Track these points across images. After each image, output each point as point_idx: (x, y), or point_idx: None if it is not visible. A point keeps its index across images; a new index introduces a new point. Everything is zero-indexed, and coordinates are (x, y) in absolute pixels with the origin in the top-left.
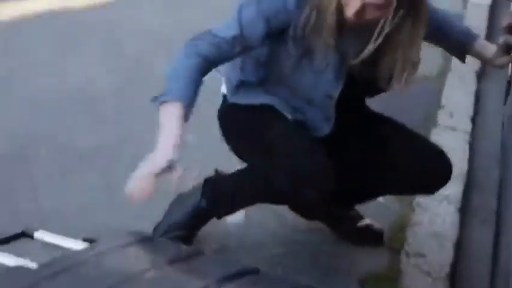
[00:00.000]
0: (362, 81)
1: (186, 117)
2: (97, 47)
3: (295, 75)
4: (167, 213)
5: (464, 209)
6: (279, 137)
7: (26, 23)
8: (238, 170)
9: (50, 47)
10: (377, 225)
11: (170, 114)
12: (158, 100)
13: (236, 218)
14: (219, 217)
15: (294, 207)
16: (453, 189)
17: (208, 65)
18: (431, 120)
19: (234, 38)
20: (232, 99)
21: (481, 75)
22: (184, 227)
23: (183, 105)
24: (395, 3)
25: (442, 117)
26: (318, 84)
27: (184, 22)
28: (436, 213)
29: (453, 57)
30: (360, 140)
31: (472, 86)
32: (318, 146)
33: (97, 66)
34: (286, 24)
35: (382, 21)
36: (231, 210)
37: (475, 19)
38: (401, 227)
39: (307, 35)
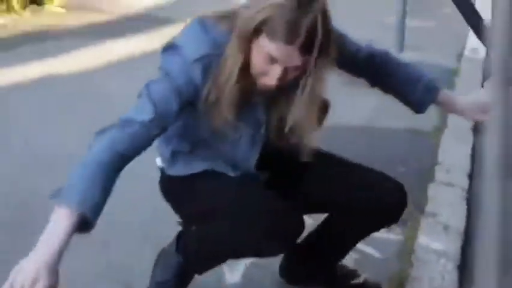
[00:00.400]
0: (281, 140)
1: (82, 226)
2: (93, 110)
3: (215, 143)
4: (153, 270)
5: (463, 266)
6: (232, 198)
7: (22, 87)
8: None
9: (44, 110)
10: (374, 281)
11: (60, 221)
12: (56, 197)
13: (233, 277)
14: (199, 273)
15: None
16: (451, 245)
17: (124, 161)
18: (428, 175)
19: (151, 120)
20: (171, 172)
21: (477, 131)
22: (172, 286)
23: (79, 214)
24: (313, 59)
25: (439, 173)
26: (236, 151)
27: None
28: (435, 270)
29: (448, 114)
30: (306, 183)
31: (468, 142)
32: (273, 195)
33: (92, 129)
34: (195, 97)
35: (304, 77)
36: (206, 266)
37: (470, 74)
38: (400, 283)
39: (208, 111)
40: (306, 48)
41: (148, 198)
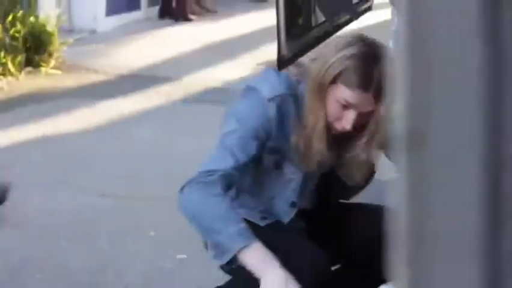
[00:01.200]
0: (334, 184)
1: None
2: (92, 170)
3: (262, 184)
4: None
5: None
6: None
7: (20, 149)
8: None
9: (44, 171)
10: None
11: (263, 256)
12: (230, 252)
13: None
14: None
15: None
16: None
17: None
18: None
19: (233, 168)
20: None
21: None
22: None
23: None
24: (382, 104)
25: None
26: (284, 192)
27: (179, 145)
28: None
29: None
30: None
31: None
32: (306, 241)
33: (91, 190)
34: (270, 133)
35: (372, 121)
36: None
37: None
38: None
39: (297, 160)
40: (377, 94)
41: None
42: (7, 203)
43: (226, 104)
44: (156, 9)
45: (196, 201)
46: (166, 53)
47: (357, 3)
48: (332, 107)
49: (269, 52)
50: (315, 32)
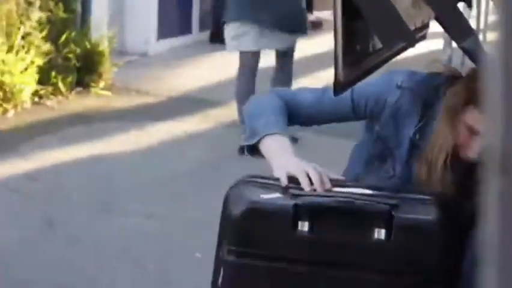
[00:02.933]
0: None
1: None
2: (139, 192)
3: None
4: None
5: None
6: None
7: (68, 169)
8: None
9: (92, 191)
10: None
11: (283, 143)
12: (258, 136)
13: None
14: None
15: None
16: None
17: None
18: None
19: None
20: None
21: None
22: None
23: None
24: None
25: None
26: None
27: (226, 169)
28: None
29: None
30: None
31: None
32: None
33: (139, 211)
34: (379, 115)
35: None
36: None
37: None
38: None
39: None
40: None
41: None
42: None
43: None
44: (207, 33)
45: (257, 98)
46: (216, 76)
47: (414, 30)
48: (461, 133)
49: (323, 78)
50: (372, 59)
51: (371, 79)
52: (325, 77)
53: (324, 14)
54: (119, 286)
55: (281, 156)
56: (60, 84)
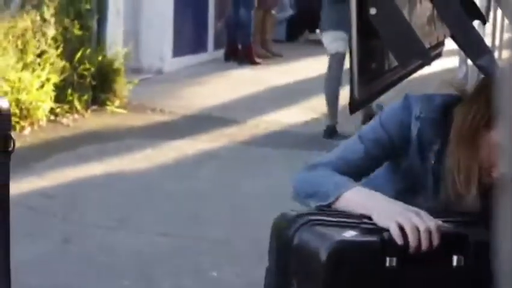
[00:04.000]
0: None
1: None
2: (154, 210)
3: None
4: None
5: None
6: None
7: (84, 186)
8: None
9: (107, 209)
10: None
11: (368, 191)
12: (333, 195)
13: None
14: None
15: None
16: None
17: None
18: None
19: (361, 158)
20: None
21: None
22: None
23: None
24: None
25: None
26: None
27: (241, 188)
28: None
29: None
30: None
31: None
32: None
33: (153, 229)
34: (402, 151)
35: None
36: None
37: None
38: None
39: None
40: None
41: None
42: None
43: (288, 149)
44: (222, 51)
45: (304, 176)
46: (231, 95)
47: (429, 48)
48: (485, 153)
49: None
50: (387, 77)
51: (388, 115)
52: (341, 96)
53: None
54: None
55: (379, 203)
56: (76, 102)
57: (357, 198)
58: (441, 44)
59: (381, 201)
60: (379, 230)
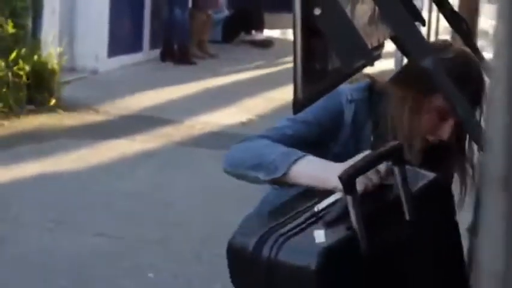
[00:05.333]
0: None
1: None
2: (90, 210)
3: None
4: None
5: None
6: None
7: (19, 187)
8: None
9: (43, 210)
10: None
11: (323, 163)
12: (286, 163)
13: None
14: None
15: None
16: None
17: None
18: None
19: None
20: None
21: None
22: None
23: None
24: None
25: None
26: None
27: (176, 188)
28: None
29: None
30: None
31: None
32: None
33: (89, 230)
34: (337, 134)
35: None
36: None
37: None
38: None
39: None
40: (476, 98)
41: None
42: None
43: (224, 149)
44: (158, 51)
45: (240, 148)
46: (168, 95)
47: (372, 49)
48: (427, 119)
49: (275, 99)
50: (330, 77)
51: (316, 105)
52: (277, 98)
53: (274, 33)
54: None
55: (332, 172)
56: (11, 101)
57: (310, 169)
58: (381, 45)
59: (335, 169)
60: (340, 218)
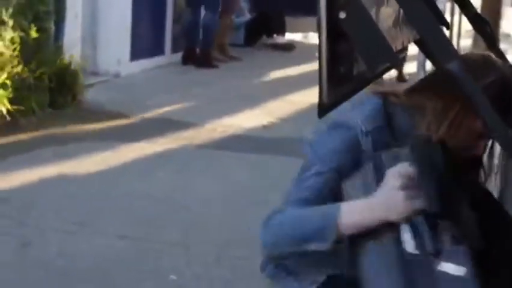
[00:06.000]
0: None
1: None
2: (112, 213)
3: None
4: None
5: None
6: None
7: (41, 189)
8: None
9: (65, 212)
10: None
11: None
12: (331, 221)
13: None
14: None
15: None
16: None
17: None
18: None
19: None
20: None
21: None
22: None
23: None
24: None
25: None
26: None
27: (197, 191)
28: None
29: None
30: None
31: None
32: None
33: (111, 232)
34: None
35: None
36: None
37: None
38: None
39: None
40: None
41: None
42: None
43: (245, 152)
44: (179, 55)
45: (275, 225)
46: (189, 98)
47: (397, 52)
48: (466, 135)
49: (295, 102)
50: (355, 80)
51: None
52: (299, 101)
53: (296, 36)
54: None
55: (378, 208)
56: (33, 104)
57: (359, 218)
58: (405, 48)
59: (380, 203)
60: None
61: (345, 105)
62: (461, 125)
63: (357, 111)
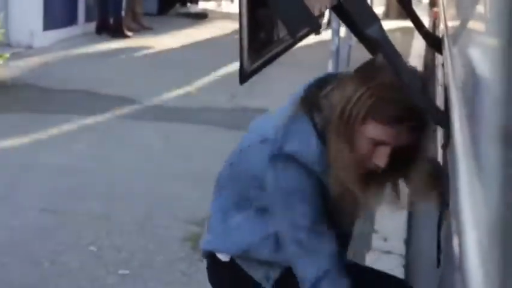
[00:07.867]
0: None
1: None
2: (32, 186)
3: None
4: None
5: None
6: None
7: None
8: None
9: None
10: None
11: None
12: None
13: None
14: None
15: None
16: None
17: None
18: (364, 244)
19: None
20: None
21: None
22: None
23: None
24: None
25: (376, 241)
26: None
27: (118, 162)
28: None
29: None
30: None
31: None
32: None
33: (32, 205)
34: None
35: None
36: None
37: None
38: None
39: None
40: (417, 125)
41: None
42: None
43: (165, 121)
44: (93, 24)
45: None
46: (105, 68)
47: (317, 16)
48: (361, 145)
49: (207, 69)
50: (275, 46)
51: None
52: (215, 68)
53: (209, 5)
54: (14, 282)
55: None
56: None
57: None
58: (322, 15)
59: None
60: None
61: (279, 126)
62: (353, 139)
63: (294, 137)
